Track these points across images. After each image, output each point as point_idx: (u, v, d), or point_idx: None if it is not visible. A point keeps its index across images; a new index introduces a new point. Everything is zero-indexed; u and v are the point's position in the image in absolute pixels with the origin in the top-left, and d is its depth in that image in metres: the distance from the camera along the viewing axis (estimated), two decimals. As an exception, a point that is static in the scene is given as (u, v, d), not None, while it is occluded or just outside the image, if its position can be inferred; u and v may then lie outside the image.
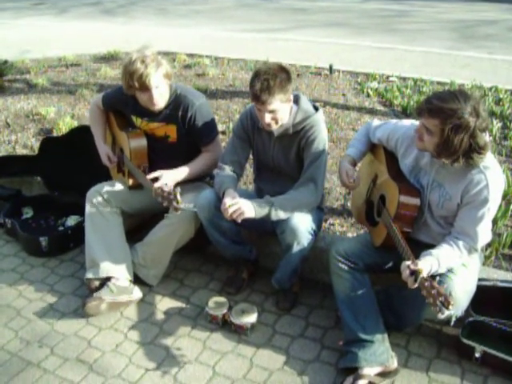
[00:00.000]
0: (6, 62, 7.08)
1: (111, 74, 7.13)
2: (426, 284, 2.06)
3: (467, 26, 11.02)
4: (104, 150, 3.37)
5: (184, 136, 3.15)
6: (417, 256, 2.27)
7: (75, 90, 6.46)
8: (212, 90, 6.35)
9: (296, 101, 2.85)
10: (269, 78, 2.60)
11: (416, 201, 2.48)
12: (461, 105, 2.18)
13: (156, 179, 2.93)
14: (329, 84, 6.57)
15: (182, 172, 3.11)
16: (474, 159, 2.25)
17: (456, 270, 2.35)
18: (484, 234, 2.36)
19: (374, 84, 6.50)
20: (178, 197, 2.62)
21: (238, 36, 10.20)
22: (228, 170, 2.93)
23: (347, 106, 5.78)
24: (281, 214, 2.72)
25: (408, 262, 2.18)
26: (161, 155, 3.17)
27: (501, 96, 5.84)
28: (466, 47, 8.92)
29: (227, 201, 2.67)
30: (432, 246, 2.39)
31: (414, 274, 2.13)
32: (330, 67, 7.04)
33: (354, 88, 6.44)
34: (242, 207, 2.64)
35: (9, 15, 13.57)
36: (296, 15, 12.89)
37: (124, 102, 3.23)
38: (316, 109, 2.89)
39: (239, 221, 2.67)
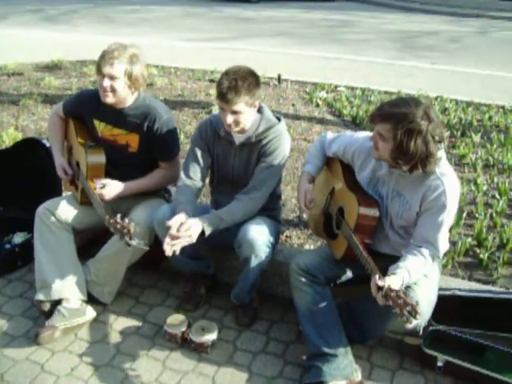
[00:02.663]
0: None
1: (55, 84, 6.92)
2: (392, 294, 2.06)
3: (409, 36, 11.34)
4: (60, 161, 3.24)
5: (145, 147, 3.06)
6: (379, 267, 2.25)
7: (18, 100, 6.24)
8: (160, 100, 6.24)
9: (259, 110, 2.82)
10: (237, 78, 2.58)
11: (375, 211, 2.49)
12: (412, 109, 2.22)
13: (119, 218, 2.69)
14: (278, 94, 6.59)
15: (130, 186, 3.03)
16: (431, 165, 2.28)
17: (418, 281, 2.36)
18: (444, 240, 2.38)
19: (323, 94, 6.57)
20: (132, 231, 2.50)
21: (184, 45, 10.13)
22: (189, 183, 2.84)
23: (297, 115, 5.80)
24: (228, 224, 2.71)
25: (376, 280, 2.16)
26: (118, 166, 3.06)
27: (446, 105, 5.99)
28: (409, 57, 9.17)
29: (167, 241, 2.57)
30: (393, 257, 2.40)
31: (382, 289, 2.12)
32: (279, 77, 7.07)
33: (303, 98, 6.49)
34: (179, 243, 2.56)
35: None
36: (241, 24, 12.93)
37: (87, 105, 3.11)
38: (278, 119, 2.87)
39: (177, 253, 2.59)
